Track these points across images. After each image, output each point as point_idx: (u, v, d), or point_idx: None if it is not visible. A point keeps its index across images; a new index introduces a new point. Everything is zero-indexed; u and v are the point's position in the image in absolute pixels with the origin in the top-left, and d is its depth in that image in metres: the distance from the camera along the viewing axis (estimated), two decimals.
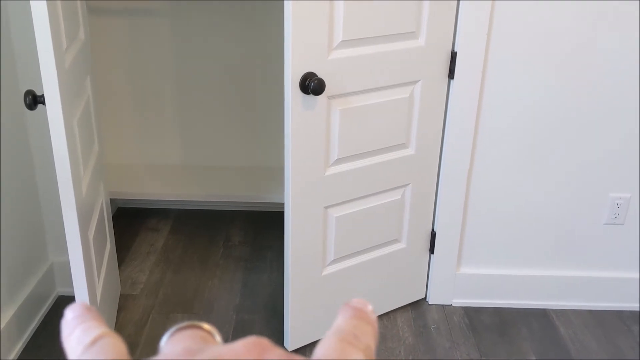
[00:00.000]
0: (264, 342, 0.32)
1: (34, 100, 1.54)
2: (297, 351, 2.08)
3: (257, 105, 2.93)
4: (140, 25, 2.76)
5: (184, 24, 2.76)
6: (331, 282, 2.07)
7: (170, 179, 2.89)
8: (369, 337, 0.34)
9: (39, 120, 2.11)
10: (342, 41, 1.76)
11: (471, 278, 2.31)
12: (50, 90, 1.43)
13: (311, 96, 1.76)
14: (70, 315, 0.35)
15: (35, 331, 2.18)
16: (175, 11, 2.74)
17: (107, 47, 2.80)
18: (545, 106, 2.07)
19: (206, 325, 0.35)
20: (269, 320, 2.26)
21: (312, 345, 2.10)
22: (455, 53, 1.97)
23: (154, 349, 2.10)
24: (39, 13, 1.39)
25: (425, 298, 2.38)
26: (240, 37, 2.80)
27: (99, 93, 2.88)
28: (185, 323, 0.35)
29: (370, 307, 0.36)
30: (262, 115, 2.95)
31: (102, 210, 2.08)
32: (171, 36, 2.79)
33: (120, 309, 2.31)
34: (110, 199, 2.63)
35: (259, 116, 2.95)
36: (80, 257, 1.65)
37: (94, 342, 0.33)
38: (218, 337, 0.35)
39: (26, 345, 2.11)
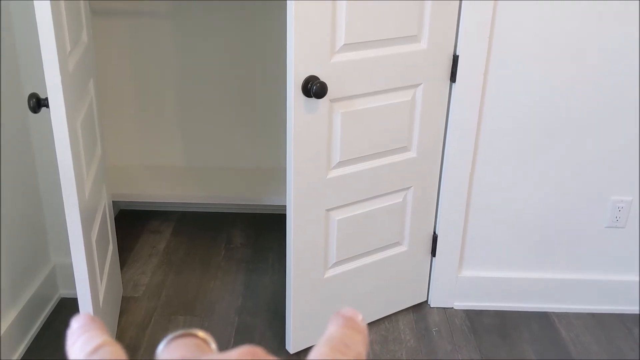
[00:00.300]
0: (258, 351, 0.33)
1: (38, 103, 1.54)
2: (298, 354, 2.09)
3: (259, 106, 2.93)
4: (143, 27, 2.77)
5: (186, 25, 2.77)
6: (333, 285, 2.07)
7: (172, 181, 2.89)
8: (360, 345, 0.35)
9: (42, 122, 2.12)
10: (344, 44, 1.77)
11: (473, 281, 2.32)
12: (54, 93, 1.44)
13: (313, 99, 1.77)
14: (75, 325, 0.37)
15: (38, 333, 2.19)
16: (177, 13, 2.75)
17: (109, 48, 2.81)
18: (547, 109, 2.07)
19: (201, 333, 0.36)
20: (271, 323, 2.26)
21: None
22: (457, 56, 1.97)
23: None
24: (43, 16, 1.40)
25: (426, 301, 2.38)
26: (243, 39, 2.80)
27: (101, 94, 2.89)
28: (181, 331, 0.36)
29: (360, 317, 0.37)
30: (264, 117, 2.95)
31: (104, 212, 2.08)
32: (173, 38, 2.79)
33: (122, 312, 2.31)
34: (112, 201, 2.64)
35: (260, 118, 2.95)
36: (83, 259, 1.66)
37: (95, 350, 0.34)
38: (213, 345, 0.36)
39: (29, 347, 2.12)
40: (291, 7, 1.64)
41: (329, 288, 2.07)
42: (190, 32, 2.79)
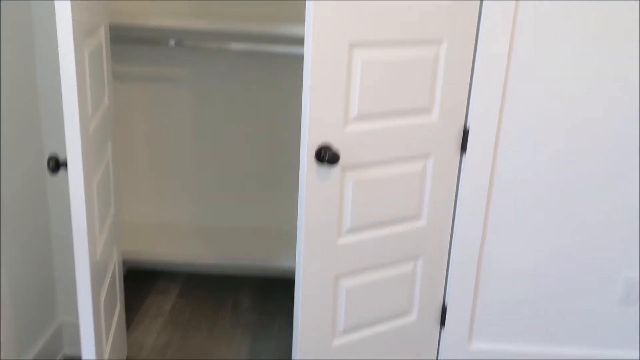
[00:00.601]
0: None
1: (57, 164, 1.58)
2: None
3: (272, 169, 2.97)
4: (160, 91, 2.85)
5: (202, 90, 2.85)
6: (340, 354, 2.04)
7: (182, 241, 2.91)
8: None
9: (58, 180, 2.16)
10: (357, 114, 1.81)
11: (483, 353, 2.27)
12: (73, 156, 1.47)
13: (326, 166, 1.80)
14: None
15: None
16: (195, 79, 2.83)
17: (126, 109, 2.88)
18: (557, 184, 2.09)
19: None
20: None
21: None
22: (468, 129, 2.01)
23: None
24: (68, 81, 1.45)
25: None
26: (258, 104, 2.87)
27: (117, 151, 2.94)
28: None
29: None
30: (276, 179, 2.99)
31: (114, 272, 2.09)
32: (189, 102, 2.87)
33: None
34: (122, 260, 2.65)
35: (273, 180, 2.99)
36: (90, 320, 1.65)
37: None
38: None
39: None
40: (307, 78, 1.69)
41: (336, 357, 2.04)
42: (206, 97, 2.86)
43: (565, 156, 2.06)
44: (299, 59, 2.75)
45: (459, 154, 2.05)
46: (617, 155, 2.06)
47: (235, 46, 2.51)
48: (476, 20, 1.92)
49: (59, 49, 1.41)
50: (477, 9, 1.91)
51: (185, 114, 2.89)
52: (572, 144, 2.05)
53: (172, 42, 2.49)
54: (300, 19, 2.70)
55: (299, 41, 2.66)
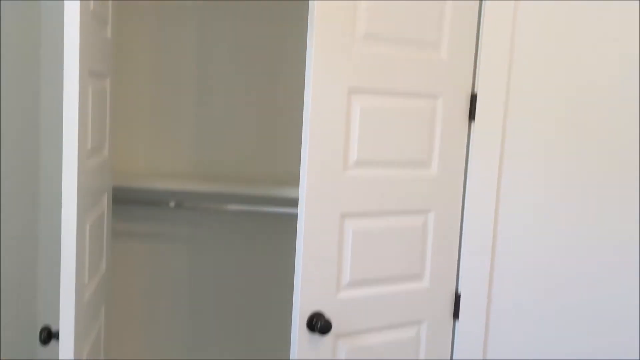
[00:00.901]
0: None
1: (49, 336, 1.58)
2: None
3: (266, 330, 2.95)
4: (159, 249, 2.89)
5: (200, 249, 2.90)
6: None
7: None
8: None
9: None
10: (350, 282, 1.84)
11: None
12: (66, 330, 1.48)
13: (317, 335, 1.79)
14: None
15: None
16: (193, 237, 2.89)
17: (123, 267, 2.91)
18: (551, 352, 2.07)
19: None
20: None
21: None
22: (459, 294, 2.03)
23: None
24: (67, 258, 1.49)
25: None
26: (252, 262, 2.91)
27: (111, 310, 2.92)
28: None
29: None
30: (271, 340, 2.95)
31: None
32: (187, 260, 2.90)
33: None
34: None
35: (267, 341, 2.95)
36: None
37: None
38: None
39: None
40: (300, 247, 1.74)
41: None
42: (203, 255, 2.90)
43: (560, 320, 2.06)
44: (295, 218, 2.83)
45: (452, 320, 2.06)
46: (611, 320, 2.06)
47: (233, 207, 2.60)
48: (461, 190, 2.02)
49: (62, 231, 1.46)
50: (462, 180, 2.01)
51: (181, 272, 2.91)
52: (566, 314, 2.06)
53: (172, 204, 2.58)
54: (296, 182, 2.83)
55: (294, 203, 2.76)
